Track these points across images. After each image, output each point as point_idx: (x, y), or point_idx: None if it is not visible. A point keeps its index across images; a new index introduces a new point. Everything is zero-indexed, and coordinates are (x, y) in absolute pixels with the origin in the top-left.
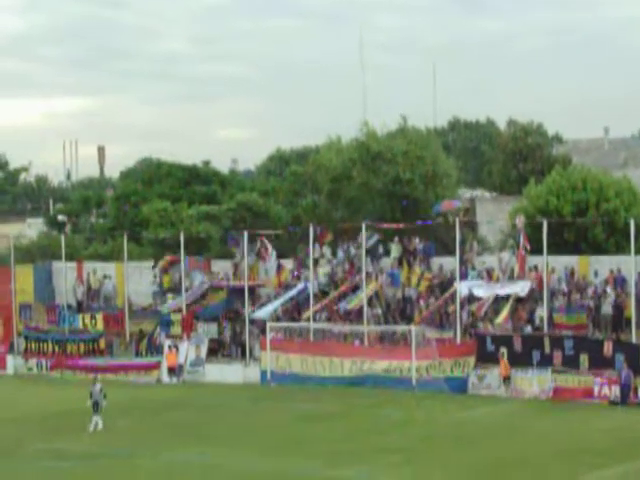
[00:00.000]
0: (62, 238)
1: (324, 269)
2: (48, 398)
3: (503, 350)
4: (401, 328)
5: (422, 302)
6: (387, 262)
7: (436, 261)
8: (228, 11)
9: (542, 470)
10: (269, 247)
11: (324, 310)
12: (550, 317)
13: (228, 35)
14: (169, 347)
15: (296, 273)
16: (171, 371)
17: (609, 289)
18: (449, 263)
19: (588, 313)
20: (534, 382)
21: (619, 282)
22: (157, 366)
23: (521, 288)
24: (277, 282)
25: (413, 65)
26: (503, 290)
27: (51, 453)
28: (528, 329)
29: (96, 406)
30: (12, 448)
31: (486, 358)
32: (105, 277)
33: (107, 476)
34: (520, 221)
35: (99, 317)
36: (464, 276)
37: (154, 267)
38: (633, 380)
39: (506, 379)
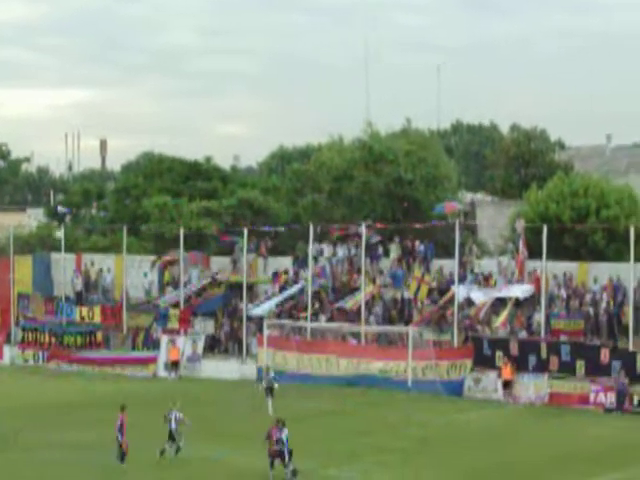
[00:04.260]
0: (62, 229)
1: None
2: (44, 389)
3: (506, 355)
4: (398, 329)
5: (420, 304)
6: (386, 263)
7: (435, 263)
8: (234, 5)
9: (533, 476)
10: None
11: (323, 309)
12: (547, 322)
13: (234, 30)
14: (171, 341)
15: (295, 271)
16: (174, 365)
17: (607, 296)
18: (448, 265)
19: (586, 319)
20: (530, 387)
21: (617, 289)
22: (154, 360)
23: (522, 292)
24: (275, 284)
25: (419, 65)
26: (502, 293)
27: (47, 444)
28: (523, 334)
29: (270, 391)
30: (7, 438)
31: (483, 361)
32: (103, 270)
33: (103, 467)
34: (520, 225)
35: (97, 310)
36: (463, 279)
37: (153, 265)
38: (629, 387)
39: (508, 383)
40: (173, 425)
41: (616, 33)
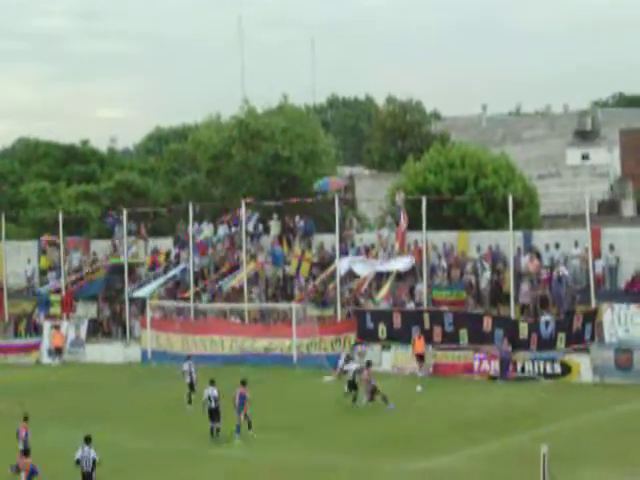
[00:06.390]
0: None
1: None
2: None
3: (416, 328)
4: (282, 306)
5: (303, 280)
6: (267, 240)
7: (316, 239)
8: None
9: (423, 445)
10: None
11: (206, 289)
12: (430, 293)
13: (108, 12)
14: (54, 327)
15: (176, 252)
16: (57, 351)
17: (487, 264)
18: (329, 241)
19: (467, 289)
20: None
21: (497, 257)
22: (37, 347)
23: (402, 264)
24: (151, 261)
25: (293, 42)
26: (383, 267)
27: None
28: (410, 305)
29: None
30: None
31: (366, 334)
32: None
33: None
34: (400, 198)
35: None
36: (344, 253)
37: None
38: (512, 355)
39: (420, 357)
40: (213, 405)
41: (488, 7)
